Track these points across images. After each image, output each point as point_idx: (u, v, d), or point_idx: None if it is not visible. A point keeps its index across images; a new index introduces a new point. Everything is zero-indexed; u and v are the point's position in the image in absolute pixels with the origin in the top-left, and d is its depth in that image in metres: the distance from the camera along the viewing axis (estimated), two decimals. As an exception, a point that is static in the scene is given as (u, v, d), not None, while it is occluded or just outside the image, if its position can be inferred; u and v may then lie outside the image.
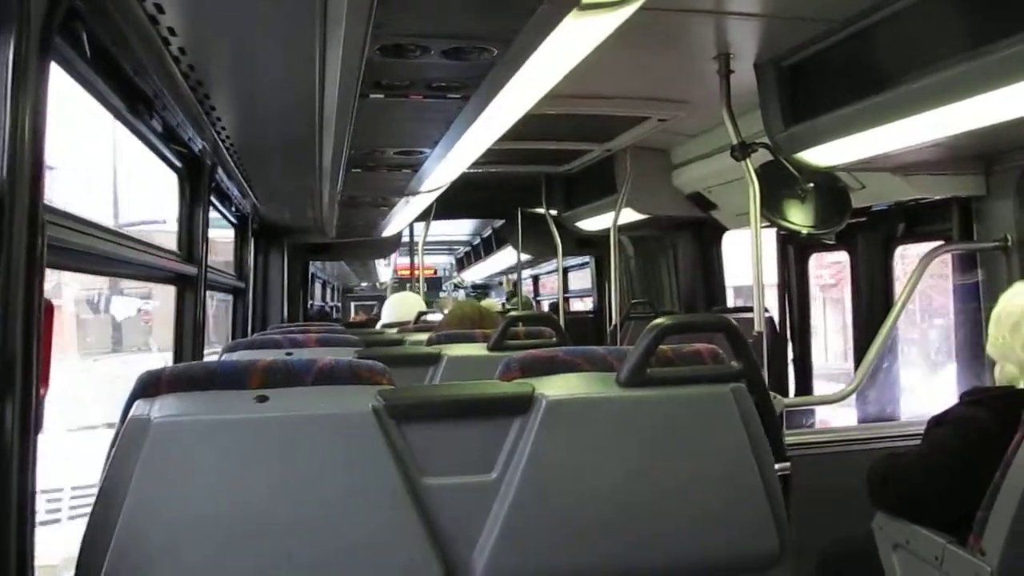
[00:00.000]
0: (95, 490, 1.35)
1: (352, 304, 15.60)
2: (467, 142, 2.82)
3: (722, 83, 3.03)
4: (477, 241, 10.89)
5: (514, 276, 13.00)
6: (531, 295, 13.97)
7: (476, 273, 13.62)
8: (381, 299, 16.46)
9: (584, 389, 1.48)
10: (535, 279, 11.39)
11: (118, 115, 2.21)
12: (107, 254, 2.04)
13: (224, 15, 1.75)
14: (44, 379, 1.35)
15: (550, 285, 11.40)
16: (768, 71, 2.96)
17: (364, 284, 16.26)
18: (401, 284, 10.37)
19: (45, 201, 1.34)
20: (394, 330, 4.04)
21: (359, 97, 2.16)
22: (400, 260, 12.99)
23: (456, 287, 16.31)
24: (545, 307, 10.11)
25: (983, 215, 3.32)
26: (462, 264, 13.38)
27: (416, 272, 7.48)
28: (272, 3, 1.67)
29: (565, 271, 9.60)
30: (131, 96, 2.14)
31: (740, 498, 1.50)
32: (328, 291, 12.79)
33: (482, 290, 16.41)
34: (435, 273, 14.83)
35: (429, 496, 1.39)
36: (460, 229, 9.62)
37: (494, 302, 12.24)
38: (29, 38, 1.24)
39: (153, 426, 1.31)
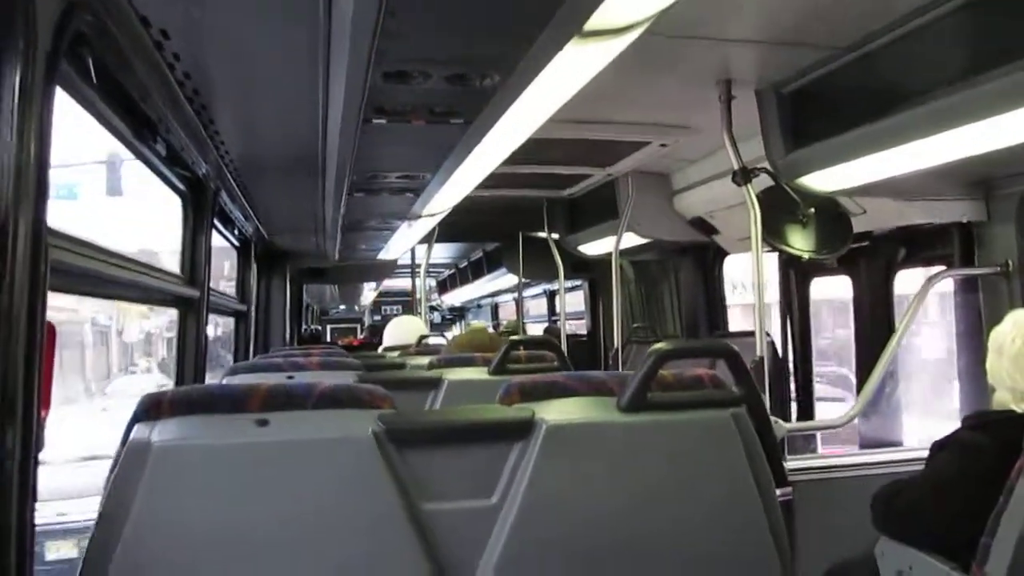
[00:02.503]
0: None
1: (328, 327, 15.50)
2: (469, 167, 2.84)
3: (723, 109, 3.05)
4: (464, 264, 10.83)
5: (499, 299, 13.01)
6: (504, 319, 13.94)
7: (459, 296, 13.55)
8: (359, 322, 16.45)
9: (584, 414, 1.48)
10: (517, 302, 11.34)
11: (122, 138, 2.22)
12: (110, 277, 2.04)
13: (229, 40, 1.77)
14: (45, 401, 1.36)
15: (533, 309, 11.33)
16: (769, 97, 2.98)
17: (342, 307, 16.20)
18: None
19: (48, 224, 1.35)
20: (396, 353, 4.03)
21: (362, 122, 2.17)
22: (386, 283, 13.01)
23: (433, 309, 16.26)
24: (531, 330, 10.04)
25: (984, 240, 3.33)
26: (444, 287, 13.31)
27: (418, 295, 7.46)
28: (277, 29, 1.69)
29: (554, 294, 9.61)
30: (135, 120, 2.15)
31: (741, 523, 1.50)
32: (308, 313, 12.78)
33: (458, 313, 16.37)
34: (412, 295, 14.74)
35: (429, 520, 1.38)
36: (442, 252, 9.55)
37: (481, 323, 12.22)
38: (35, 63, 1.26)
39: (154, 450, 1.31)
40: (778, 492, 1.58)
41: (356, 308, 16.49)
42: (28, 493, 1.27)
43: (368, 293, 13.77)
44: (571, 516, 1.42)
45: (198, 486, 1.32)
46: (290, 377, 2.58)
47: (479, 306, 15.25)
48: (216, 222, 3.48)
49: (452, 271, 12.11)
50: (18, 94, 1.23)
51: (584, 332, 7.62)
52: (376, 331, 14.29)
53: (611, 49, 1.75)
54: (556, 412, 1.45)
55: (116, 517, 1.30)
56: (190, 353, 3.05)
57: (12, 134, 1.22)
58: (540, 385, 1.54)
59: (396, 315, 14.54)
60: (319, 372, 2.67)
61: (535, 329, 10.31)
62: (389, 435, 1.38)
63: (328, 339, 14.47)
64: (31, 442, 1.28)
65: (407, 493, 1.37)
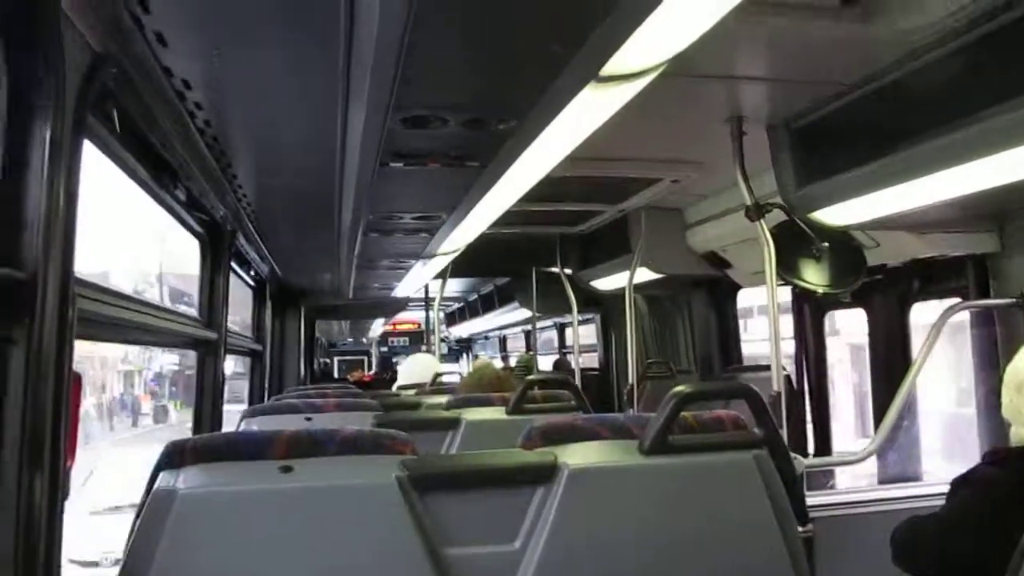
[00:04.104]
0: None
1: (336, 359, 15.49)
2: (483, 207, 2.86)
3: (735, 145, 3.06)
4: (473, 297, 10.83)
5: (507, 331, 12.99)
6: (502, 353, 13.90)
7: (467, 328, 13.51)
8: (367, 354, 16.44)
9: (606, 458, 1.48)
10: (528, 336, 11.30)
11: (144, 186, 2.26)
12: (133, 324, 2.07)
13: (249, 88, 1.80)
14: (71, 450, 1.37)
15: (542, 340, 11.27)
16: (780, 133, 2.99)
17: (350, 340, 16.21)
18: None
19: (76, 274, 1.38)
20: (411, 391, 4.04)
21: (379, 166, 2.20)
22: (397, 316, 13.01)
23: (441, 341, 16.23)
24: (540, 362, 9.99)
25: (999, 272, 3.32)
26: (453, 319, 13.32)
27: (431, 332, 7.47)
28: (297, 77, 1.72)
29: (563, 326, 9.58)
30: (157, 167, 2.19)
31: (764, 565, 1.49)
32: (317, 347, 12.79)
33: (465, 345, 16.38)
34: (419, 327, 14.74)
35: (452, 565, 1.38)
36: (452, 286, 9.55)
37: (486, 358, 12.19)
38: (64, 117, 1.29)
39: (179, 497, 1.32)
40: (799, 530, 1.57)
41: (364, 340, 16.50)
42: (55, 541, 1.28)
43: (378, 325, 13.81)
44: (595, 560, 1.42)
45: (223, 533, 1.33)
46: (308, 419, 2.59)
47: (486, 338, 15.25)
48: (232, 264, 3.51)
49: (461, 304, 12.12)
50: (48, 148, 1.26)
51: (594, 365, 7.60)
52: (387, 365, 14.29)
53: (627, 92, 1.78)
54: (578, 456, 1.45)
55: (140, 565, 1.31)
56: (208, 394, 3.07)
57: (42, 187, 1.25)
58: (561, 428, 1.55)
59: (403, 346, 14.57)
60: (336, 414, 2.68)
61: (544, 361, 10.28)
62: (412, 481, 1.38)
63: (336, 372, 14.43)
64: (58, 490, 1.29)
65: (430, 538, 1.37)
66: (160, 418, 12.40)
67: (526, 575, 1.39)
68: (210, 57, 1.60)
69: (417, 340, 14.21)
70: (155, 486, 1.35)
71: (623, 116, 1.99)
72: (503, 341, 14.33)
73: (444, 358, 12.04)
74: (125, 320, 1.97)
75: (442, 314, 13.01)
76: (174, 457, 1.39)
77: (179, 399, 11.72)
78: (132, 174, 2.11)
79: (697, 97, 2.78)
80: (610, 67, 1.57)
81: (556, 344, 10.45)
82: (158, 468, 1.38)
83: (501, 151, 2.11)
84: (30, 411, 1.22)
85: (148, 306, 2.24)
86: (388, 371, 12.64)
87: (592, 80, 1.61)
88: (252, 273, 4.61)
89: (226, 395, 3.27)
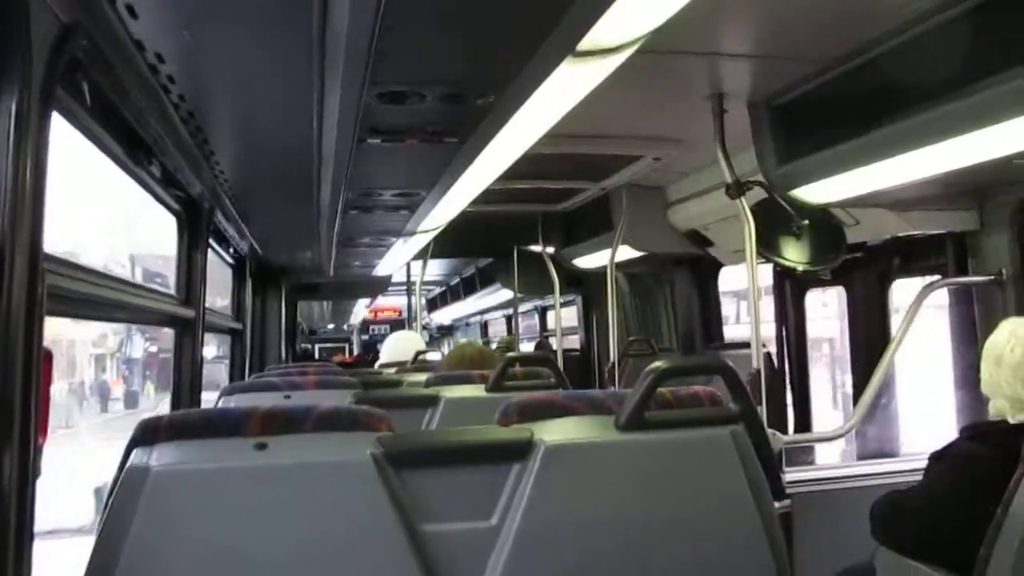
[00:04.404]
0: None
1: (316, 346, 15.41)
2: (464, 184, 2.84)
3: (716, 122, 3.06)
4: (455, 281, 10.78)
5: (488, 316, 12.97)
6: (483, 339, 13.84)
7: (449, 314, 13.45)
8: (347, 341, 16.38)
9: (583, 434, 1.48)
10: (511, 318, 11.24)
11: (118, 161, 2.23)
12: (106, 300, 2.04)
13: (223, 63, 1.78)
14: (43, 428, 1.36)
15: (523, 326, 11.23)
16: (761, 110, 2.99)
17: (331, 326, 16.13)
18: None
19: (44, 249, 1.35)
20: (392, 370, 4.03)
21: (357, 142, 2.18)
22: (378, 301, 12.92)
23: (423, 328, 16.20)
24: (521, 348, 9.95)
25: (978, 250, 3.34)
26: (434, 305, 13.25)
27: (414, 311, 7.46)
28: (271, 52, 1.70)
29: (545, 309, 9.58)
30: (131, 143, 2.16)
31: (740, 540, 1.50)
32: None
33: (447, 331, 16.37)
34: (400, 314, 14.69)
35: (428, 542, 1.38)
36: (432, 270, 9.50)
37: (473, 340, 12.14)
38: (32, 89, 1.26)
39: (152, 475, 1.31)
40: (776, 505, 1.58)
41: (345, 327, 16.43)
42: (25, 520, 1.27)
43: (360, 310, 13.77)
44: (571, 536, 1.42)
45: (196, 510, 1.32)
46: (287, 397, 2.58)
47: (468, 324, 15.22)
48: (211, 241, 3.48)
49: (443, 288, 12.07)
50: (14, 120, 1.23)
51: (575, 347, 7.60)
52: (370, 348, 14.25)
53: (604, 68, 1.76)
54: (554, 432, 1.45)
55: (114, 542, 1.30)
56: (186, 373, 3.05)
57: (8, 160, 1.23)
58: (538, 404, 1.54)
59: (384, 334, 14.54)
60: (316, 391, 2.67)
61: (525, 348, 10.25)
62: (388, 457, 1.38)
63: (316, 358, 14.37)
64: (28, 468, 1.28)
65: (406, 515, 1.37)
66: (131, 403, 12.21)
67: (503, 551, 1.39)
68: (182, 31, 1.57)
69: (399, 327, 14.12)
70: (128, 463, 1.33)
71: (604, 93, 1.98)
72: (484, 327, 14.32)
73: (427, 345, 11.97)
74: (98, 296, 1.95)
75: (423, 300, 12.99)
76: (148, 434, 1.38)
77: (154, 383, 11.53)
78: (105, 149, 2.08)
79: (678, 74, 2.77)
80: (587, 42, 1.55)
81: (538, 329, 10.42)
82: (132, 444, 1.37)
83: (480, 127, 2.10)
84: None
85: (122, 283, 2.22)
86: (370, 353, 12.62)
87: (569, 55, 1.60)
88: (232, 251, 4.57)
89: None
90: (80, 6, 1.40)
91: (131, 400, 12.22)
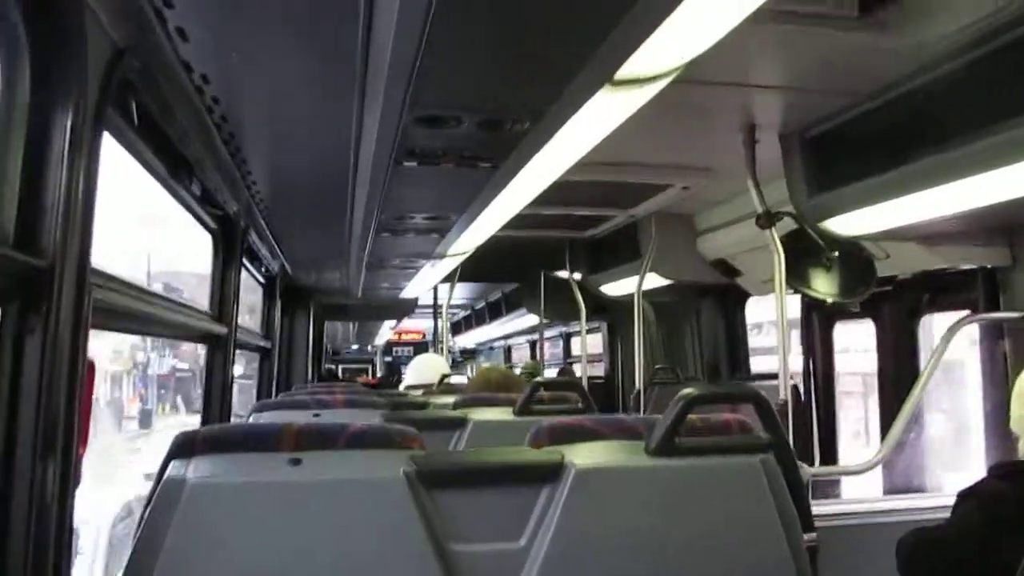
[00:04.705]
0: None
1: (340, 367, 15.49)
2: (495, 208, 2.87)
3: (747, 153, 3.07)
4: (480, 306, 10.78)
5: (512, 341, 12.97)
6: (507, 364, 13.80)
7: (473, 338, 13.44)
8: (370, 363, 16.45)
9: (613, 458, 1.49)
10: (534, 344, 11.20)
11: (160, 179, 2.28)
12: (146, 315, 2.08)
13: (265, 84, 1.82)
14: (84, 438, 1.39)
15: (547, 352, 11.19)
16: (792, 141, 3.00)
17: (355, 347, 16.19)
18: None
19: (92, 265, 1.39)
20: (418, 392, 4.05)
21: (392, 164, 2.22)
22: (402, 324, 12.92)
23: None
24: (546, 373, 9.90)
25: (1008, 285, 3.32)
26: (458, 328, 13.27)
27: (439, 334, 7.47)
28: (312, 73, 1.73)
29: (569, 336, 9.56)
30: (174, 161, 2.21)
31: (768, 570, 1.49)
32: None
33: (470, 355, 16.38)
34: (423, 337, 14.72)
35: (457, 562, 1.39)
36: (458, 293, 9.53)
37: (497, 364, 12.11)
38: (85, 109, 1.31)
39: (188, 487, 1.33)
40: (804, 537, 1.57)
41: (369, 348, 16.49)
42: (65, 527, 1.29)
43: (385, 332, 13.79)
44: (599, 560, 1.42)
45: (231, 523, 1.34)
46: (316, 415, 2.60)
47: (491, 349, 15.21)
48: (243, 260, 3.53)
49: (468, 312, 12.09)
50: (69, 138, 1.27)
51: (599, 374, 7.58)
52: (393, 370, 14.29)
53: (640, 97, 1.79)
54: (585, 455, 1.46)
55: (149, 552, 1.32)
56: (217, 388, 3.09)
57: (62, 178, 1.27)
58: (568, 428, 1.55)
59: (407, 356, 14.58)
60: (344, 411, 2.69)
61: (549, 374, 10.22)
62: (420, 476, 1.39)
63: (340, 378, 14.40)
64: (70, 477, 1.30)
65: (436, 534, 1.38)
66: (145, 423, 12.12)
67: (531, 573, 1.40)
68: (229, 53, 1.61)
69: (422, 350, 14.16)
70: (165, 475, 1.36)
71: (636, 121, 2.00)
72: (508, 352, 14.30)
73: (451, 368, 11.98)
74: (138, 311, 1.99)
75: (448, 323, 12.99)
76: (184, 447, 1.40)
77: (167, 402, 11.45)
78: (148, 167, 2.13)
79: (710, 104, 2.79)
80: (625, 70, 1.58)
81: (562, 356, 10.41)
82: (169, 457, 1.39)
83: (514, 152, 2.12)
84: (45, 399, 1.24)
85: (161, 298, 2.26)
86: (394, 375, 12.64)
87: (607, 83, 1.62)
88: (263, 270, 4.63)
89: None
90: (134, 30, 1.45)
91: (145, 420, 12.15)
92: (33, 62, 1.25)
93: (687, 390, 1.50)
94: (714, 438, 1.55)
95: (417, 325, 14.25)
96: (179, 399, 10.35)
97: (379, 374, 15.55)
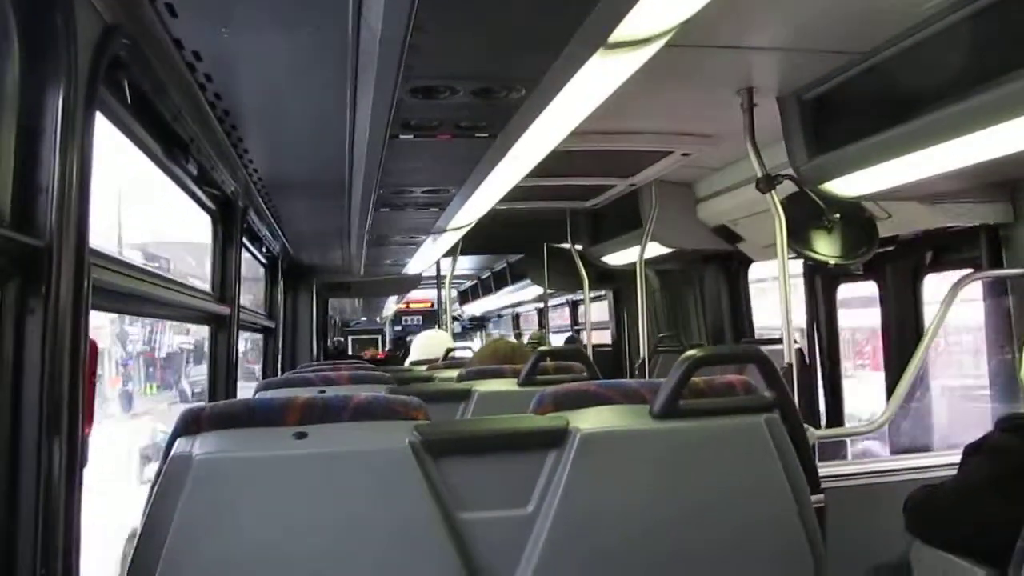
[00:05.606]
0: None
1: (350, 338, 15.62)
2: (494, 180, 2.86)
3: (745, 116, 3.05)
4: (486, 275, 10.86)
5: (521, 309, 13.05)
6: (515, 331, 13.95)
7: (481, 307, 13.55)
8: (380, 333, 16.61)
9: (618, 422, 1.49)
10: (541, 313, 11.28)
11: (155, 159, 2.27)
12: (147, 296, 2.08)
13: (258, 60, 1.80)
14: (88, 417, 1.39)
15: (554, 319, 11.26)
16: (791, 103, 2.98)
17: (363, 319, 16.32)
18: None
19: (90, 245, 1.39)
20: (423, 367, 4.06)
21: (389, 138, 2.20)
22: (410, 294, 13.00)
23: (454, 319, 16.32)
24: (552, 341, 9.97)
25: (1011, 242, 3.30)
26: (465, 297, 13.36)
27: (442, 308, 7.51)
28: (305, 48, 1.72)
29: (576, 303, 9.60)
30: (168, 140, 2.20)
31: (776, 528, 1.50)
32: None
33: (479, 323, 16.48)
34: (432, 306, 14.78)
35: (465, 530, 1.40)
36: (465, 263, 9.59)
37: (500, 336, 12.20)
38: (76, 88, 1.30)
39: (195, 463, 1.34)
40: (812, 498, 1.58)
41: (377, 320, 16.59)
42: (74, 507, 1.30)
43: (391, 304, 13.79)
44: (606, 524, 1.43)
45: (238, 498, 1.35)
46: (322, 392, 2.61)
47: (500, 316, 15.29)
48: (244, 240, 3.52)
49: (475, 282, 12.16)
50: (61, 117, 1.27)
51: (606, 342, 7.61)
52: (400, 344, 14.36)
53: (635, 60, 1.77)
54: (589, 420, 1.46)
55: (158, 529, 1.33)
56: (221, 368, 3.10)
57: (55, 158, 1.26)
58: (573, 394, 1.55)
59: (417, 326, 14.66)
60: (350, 387, 2.70)
61: (557, 339, 10.29)
62: (425, 445, 1.39)
63: (349, 351, 14.49)
64: (76, 457, 1.31)
65: (443, 502, 1.39)
66: (125, 405, 11.99)
67: (539, 538, 1.41)
68: (218, 28, 1.60)
69: (431, 318, 14.27)
70: (172, 452, 1.36)
71: (633, 88, 1.99)
72: (516, 319, 14.38)
73: (457, 337, 12.10)
74: (139, 291, 1.99)
75: (455, 292, 13.07)
76: (190, 423, 1.41)
77: (155, 381, 11.32)
78: (143, 147, 2.12)
79: (707, 68, 2.77)
80: (619, 33, 1.56)
81: (569, 321, 10.46)
82: (175, 434, 1.40)
83: (511, 121, 2.11)
84: (47, 379, 1.24)
85: (161, 279, 2.26)
86: (400, 348, 12.68)
87: (601, 47, 1.61)
88: (264, 250, 4.63)
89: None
90: (122, 6, 1.44)
91: (126, 402, 11.98)
92: (22, 41, 1.24)
93: (690, 352, 1.50)
94: (718, 399, 1.55)
95: (425, 295, 14.32)
96: (169, 380, 10.27)
97: (387, 347, 15.64)
